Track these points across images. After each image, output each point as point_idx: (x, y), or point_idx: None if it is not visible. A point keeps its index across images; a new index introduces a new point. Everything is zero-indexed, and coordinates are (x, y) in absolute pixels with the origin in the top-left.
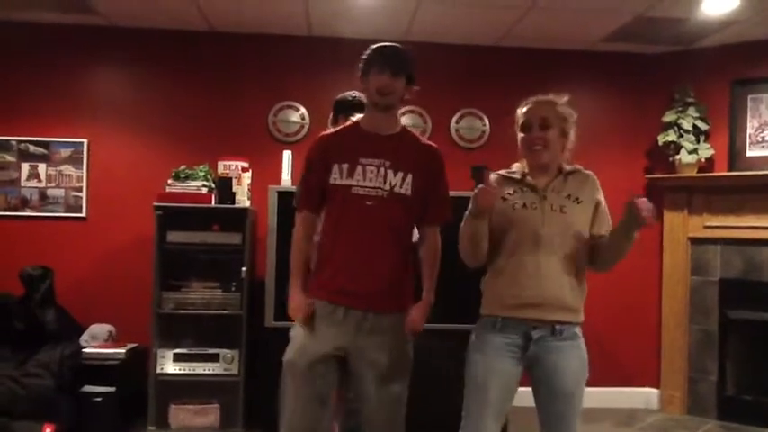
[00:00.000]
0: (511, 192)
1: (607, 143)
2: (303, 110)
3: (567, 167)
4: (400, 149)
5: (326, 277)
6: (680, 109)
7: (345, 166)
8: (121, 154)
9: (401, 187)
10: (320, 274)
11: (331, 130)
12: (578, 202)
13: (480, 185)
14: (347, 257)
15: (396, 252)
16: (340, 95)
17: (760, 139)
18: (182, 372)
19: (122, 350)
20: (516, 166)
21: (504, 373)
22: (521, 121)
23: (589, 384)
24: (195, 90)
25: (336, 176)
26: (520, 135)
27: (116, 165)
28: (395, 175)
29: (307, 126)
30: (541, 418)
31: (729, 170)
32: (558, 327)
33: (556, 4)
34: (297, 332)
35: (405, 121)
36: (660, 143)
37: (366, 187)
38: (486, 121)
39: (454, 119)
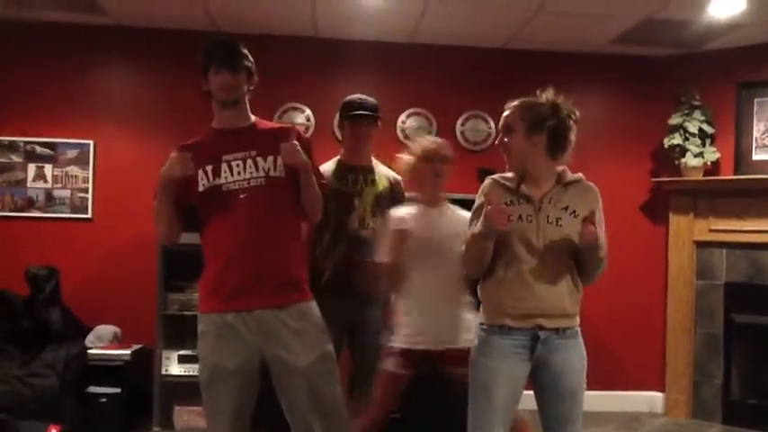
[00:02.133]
0: (507, 202)
1: (613, 146)
2: (309, 111)
3: (569, 177)
4: (260, 136)
5: (218, 286)
6: (686, 112)
7: (209, 167)
8: (127, 155)
9: (275, 170)
10: (210, 286)
11: (186, 141)
12: (575, 216)
13: (490, 207)
14: (234, 258)
15: (285, 239)
16: (347, 98)
17: (766, 143)
18: (186, 373)
19: (127, 351)
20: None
21: (509, 374)
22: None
23: (594, 388)
24: (202, 93)
25: (204, 181)
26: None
27: (122, 165)
28: (265, 161)
29: (312, 127)
30: (546, 421)
31: (735, 174)
32: (560, 331)
33: (563, 7)
34: (203, 349)
35: (410, 122)
36: (666, 146)
37: (237, 181)
38: (492, 124)
39: (460, 121)
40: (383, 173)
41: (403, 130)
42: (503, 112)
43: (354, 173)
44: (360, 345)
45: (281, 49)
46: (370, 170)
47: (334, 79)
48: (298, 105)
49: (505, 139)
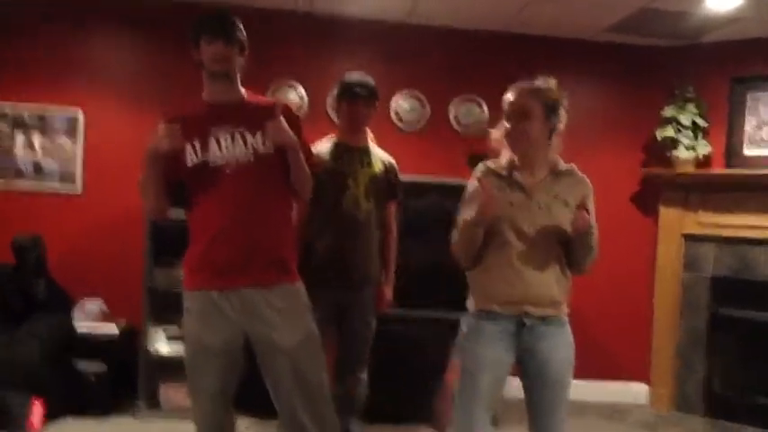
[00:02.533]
0: (499, 188)
1: (605, 135)
2: (301, 89)
3: (562, 166)
4: (250, 111)
5: (203, 263)
6: (679, 104)
7: (197, 142)
8: (117, 127)
9: (264, 147)
10: (196, 263)
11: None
12: (566, 205)
13: (484, 194)
14: (221, 234)
15: (273, 217)
16: (345, 78)
17: (758, 138)
18: (174, 353)
19: (114, 328)
20: (506, 156)
21: (495, 362)
22: (505, 110)
23: (578, 377)
24: (193, 64)
25: (192, 156)
26: (504, 125)
27: (112, 138)
28: (253, 137)
29: (305, 105)
30: (530, 408)
31: (726, 168)
32: (547, 318)
33: None
34: (187, 327)
35: (403, 104)
36: (658, 138)
37: (224, 157)
38: (485, 108)
39: (453, 104)
40: (379, 155)
41: (396, 112)
42: (504, 96)
43: (350, 153)
44: (348, 330)
45: (276, 24)
46: (366, 152)
47: (329, 57)
48: (291, 82)
49: (522, 125)
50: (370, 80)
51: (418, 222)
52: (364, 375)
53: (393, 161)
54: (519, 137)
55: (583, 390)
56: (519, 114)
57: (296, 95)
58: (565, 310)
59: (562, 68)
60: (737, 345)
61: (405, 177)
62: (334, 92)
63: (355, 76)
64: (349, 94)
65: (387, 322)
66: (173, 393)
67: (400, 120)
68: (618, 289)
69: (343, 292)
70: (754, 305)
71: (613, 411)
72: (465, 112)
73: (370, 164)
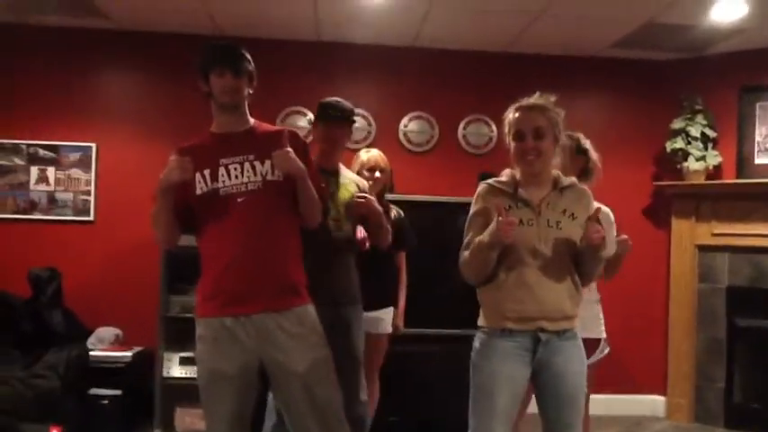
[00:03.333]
0: (507, 207)
1: (615, 149)
2: (311, 115)
3: (564, 181)
4: (258, 140)
5: (216, 291)
6: (688, 116)
7: (207, 171)
8: (129, 157)
9: (273, 174)
10: (209, 291)
11: (185, 144)
12: (573, 218)
13: (500, 219)
14: (234, 263)
15: (283, 243)
16: (323, 100)
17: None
18: (187, 375)
19: (129, 353)
20: (507, 173)
21: (511, 378)
22: (513, 129)
23: (596, 391)
24: (202, 95)
25: (201, 185)
26: (512, 143)
27: (124, 168)
28: (263, 165)
29: None
30: (547, 423)
31: (737, 178)
32: (561, 333)
33: (565, 11)
34: (201, 353)
35: (412, 126)
36: (668, 150)
37: (235, 185)
38: (494, 128)
39: (462, 125)
40: (351, 178)
41: (405, 134)
42: (507, 115)
43: (326, 176)
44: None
45: (284, 53)
46: (338, 174)
47: (337, 82)
48: (300, 109)
49: (536, 144)
50: (347, 103)
51: (430, 241)
52: (365, 397)
53: (365, 184)
54: (534, 154)
55: (600, 404)
56: (532, 132)
57: (305, 122)
58: (577, 322)
59: (570, 86)
60: (756, 354)
61: (415, 197)
62: None
63: (333, 98)
64: (323, 116)
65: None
66: (188, 418)
67: (409, 141)
68: (633, 302)
69: (325, 311)
70: (763, 315)
71: (633, 424)
72: (474, 131)
73: (344, 186)
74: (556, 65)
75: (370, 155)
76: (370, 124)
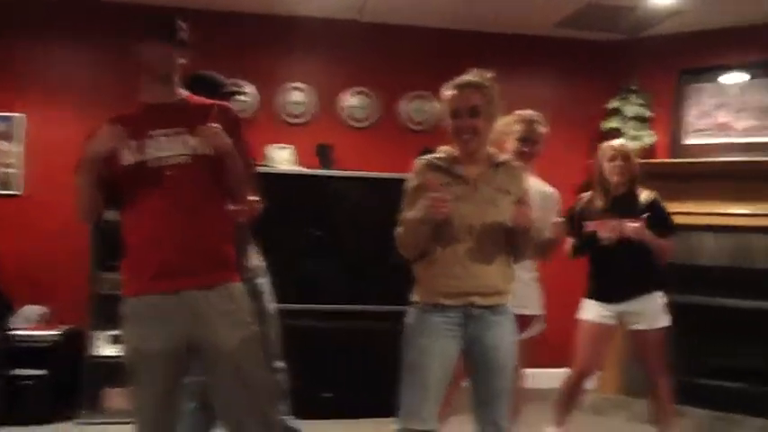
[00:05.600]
0: (443, 183)
1: (554, 128)
2: (251, 88)
3: (499, 158)
4: (190, 113)
5: (142, 268)
6: (624, 96)
7: (134, 143)
8: (60, 130)
9: (203, 148)
10: (134, 268)
11: (115, 114)
12: (508, 194)
13: (433, 195)
14: (161, 237)
15: (212, 218)
16: (201, 72)
17: (700, 128)
18: (118, 354)
19: (56, 332)
20: (444, 150)
21: (442, 353)
22: (449, 107)
23: (530, 365)
24: (135, 66)
25: (128, 157)
26: (449, 121)
27: (54, 141)
28: (193, 138)
29: (255, 104)
30: (477, 397)
31: (670, 158)
32: (493, 307)
33: None
34: (127, 333)
35: (354, 102)
36: (604, 129)
37: (163, 157)
38: (437, 104)
39: (404, 101)
40: None
41: (347, 109)
42: (443, 92)
43: None
44: None
45: (225, 25)
46: None
47: (279, 56)
48: (242, 82)
49: (472, 121)
50: (218, 77)
51: (372, 217)
52: (280, 364)
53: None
54: (470, 132)
55: (535, 377)
56: (468, 111)
57: (245, 95)
58: (509, 298)
59: (513, 63)
60: (683, 329)
61: (357, 173)
62: (285, 91)
63: (206, 72)
64: (225, 92)
65: (335, 318)
66: (116, 397)
67: (351, 117)
68: (567, 278)
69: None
70: (699, 290)
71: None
72: (417, 108)
73: None
74: (499, 43)
75: None
76: (311, 99)
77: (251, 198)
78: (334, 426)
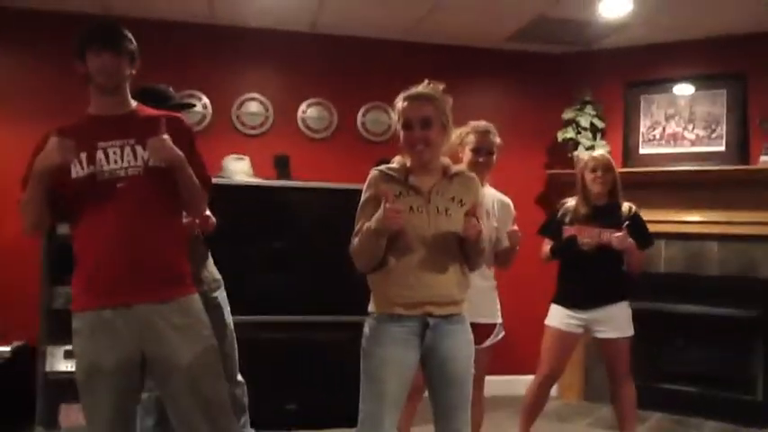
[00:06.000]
0: (397, 194)
1: (510, 139)
2: (205, 99)
3: (453, 169)
4: (141, 124)
5: (93, 282)
6: (578, 107)
7: (84, 155)
8: (5, 142)
9: (156, 160)
10: (85, 282)
11: (63, 125)
12: (461, 205)
13: (388, 206)
14: (113, 251)
15: (165, 231)
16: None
17: (651, 138)
18: (73, 370)
19: (7, 348)
20: (398, 160)
21: (400, 363)
22: (401, 118)
23: (491, 373)
24: (80, 77)
25: (78, 169)
26: (401, 132)
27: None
28: (144, 150)
29: (209, 116)
30: (436, 407)
31: (623, 167)
32: (449, 317)
33: (457, 3)
34: (79, 348)
35: (311, 113)
36: (559, 140)
37: (114, 170)
38: (393, 115)
39: (361, 112)
40: None
41: (304, 120)
42: (397, 103)
43: None
44: None
45: (178, 35)
46: None
47: (233, 67)
48: (194, 92)
49: (424, 133)
50: (163, 89)
51: (327, 228)
52: (240, 378)
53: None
54: (423, 143)
55: (494, 385)
56: (420, 122)
57: (200, 106)
58: (465, 307)
59: (468, 76)
60: (642, 335)
61: (314, 184)
62: (242, 101)
63: (152, 85)
64: (166, 106)
65: (294, 329)
66: (72, 413)
67: (308, 128)
68: (525, 286)
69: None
70: (656, 297)
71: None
72: (373, 119)
73: None
74: (454, 55)
75: None
76: (267, 110)
77: (206, 212)
78: None
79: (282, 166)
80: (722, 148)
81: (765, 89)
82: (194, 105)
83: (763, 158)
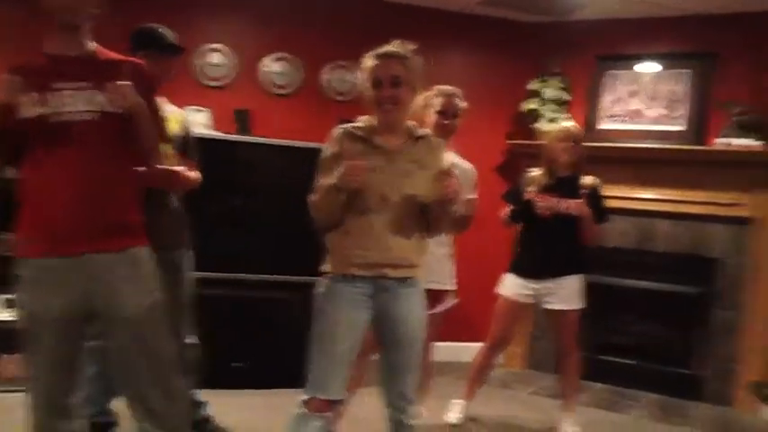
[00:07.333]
0: (360, 153)
1: (473, 106)
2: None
3: (419, 132)
4: (99, 67)
5: (40, 228)
6: (544, 79)
7: (36, 94)
8: None
9: (112, 105)
10: (31, 228)
11: (17, 63)
12: (425, 168)
13: (350, 162)
14: (61, 198)
15: (117, 179)
16: (148, 27)
17: (613, 114)
18: (13, 319)
19: None
20: (363, 119)
21: (351, 324)
22: (370, 76)
23: (441, 339)
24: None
25: (28, 109)
26: (369, 91)
27: None
28: (102, 94)
29: None
30: (384, 369)
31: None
32: (404, 280)
33: None
34: (22, 296)
35: (275, 67)
36: (523, 110)
37: (68, 113)
38: (359, 75)
39: (326, 69)
40: (172, 114)
41: (268, 75)
42: (364, 62)
43: None
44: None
45: None
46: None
47: (199, 15)
48: None
49: (393, 92)
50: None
51: (287, 187)
52: (191, 339)
53: (185, 116)
54: (391, 102)
55: (444, 351)
56: (390, 81)
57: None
58: (420, 271)
59: (435, 38)
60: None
61: (275, 141)
62: (204, 52)
63: (157, 26)
64: (164, 46)
65: (250, 288)
66: (10, 365)
67: (272, 83)
68: (482, 257)
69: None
70: (604, 271)
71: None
72: (338, 77)
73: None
74: (423, 17)
75: None
76: (230, 62)
77: (192, 171)
78: (246, 396)
79: (243, 120)
80: (682, 128)
81: (731, 71)
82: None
83: (719, 140)
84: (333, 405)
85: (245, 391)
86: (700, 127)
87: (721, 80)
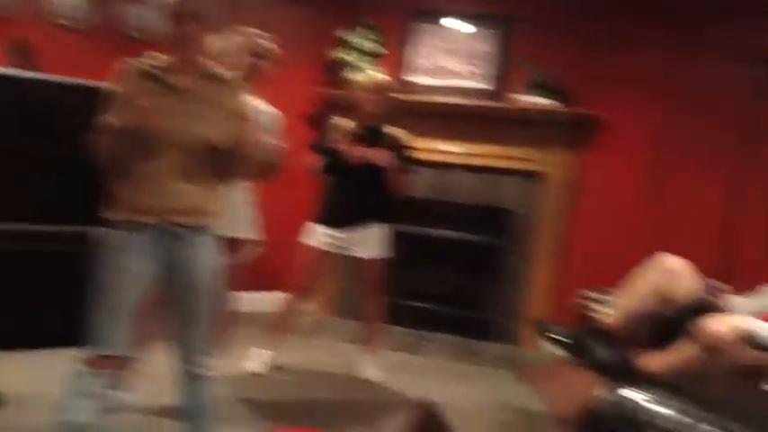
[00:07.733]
0: (151, 91)
1: (286, 52)
2: None
3: (216, 72)
4: None
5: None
6: (358, 30)
7: None
8: None
9: None
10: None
11: None
12: (220, 109)
13: (139, 102)
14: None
15: None
16: None
17: (422, 68)
18: None
19: None
20: (157, 56)
21: (136, 274)
22: (169, 12)
23: (245, 289)
24: None
25: None
26: (169, 26)
27: None
28: None
29: None
30: (175, 317)
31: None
32: (195, 228)
33: None
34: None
35: None
36: (333, 58)
37: None
38: (157, 12)
39: (122, 3)
40: None
41: (54, 5)
42: None
43: None
44: None
45: None
46: None
47: None
48: None
49: (187, 29)
50: None
51: (71, 129)
52: None
53: None
54: (189, 39)
55: (248, 302)
56: (188, 17)
57: None
58: (213, 219)
59: None
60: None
61: (58, 78)
62: None
63: None
64: None
65: (22, 239)
66: None
67: (60, 15)
68: (289, 206)
69: None
70: (406, 220)
71: (273, 320)
72: (136, 13)
73: None
74: None
75: None
76: None
77: None
78: (17, 357)
79: (23, 55)
80: (486, 86)
81: (532, 34)
82: None
83: (519, 97)
84: (117, 361)
85: (19, 352)
86: (501, 85)
87: (523, 42)
